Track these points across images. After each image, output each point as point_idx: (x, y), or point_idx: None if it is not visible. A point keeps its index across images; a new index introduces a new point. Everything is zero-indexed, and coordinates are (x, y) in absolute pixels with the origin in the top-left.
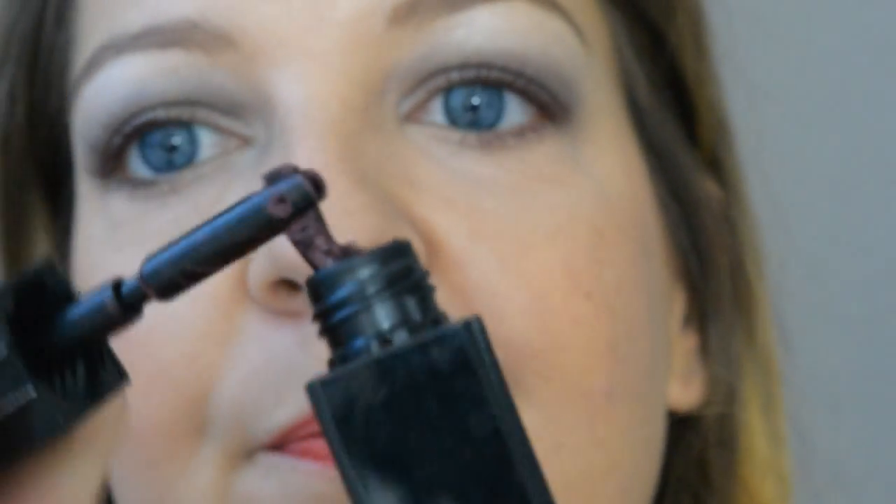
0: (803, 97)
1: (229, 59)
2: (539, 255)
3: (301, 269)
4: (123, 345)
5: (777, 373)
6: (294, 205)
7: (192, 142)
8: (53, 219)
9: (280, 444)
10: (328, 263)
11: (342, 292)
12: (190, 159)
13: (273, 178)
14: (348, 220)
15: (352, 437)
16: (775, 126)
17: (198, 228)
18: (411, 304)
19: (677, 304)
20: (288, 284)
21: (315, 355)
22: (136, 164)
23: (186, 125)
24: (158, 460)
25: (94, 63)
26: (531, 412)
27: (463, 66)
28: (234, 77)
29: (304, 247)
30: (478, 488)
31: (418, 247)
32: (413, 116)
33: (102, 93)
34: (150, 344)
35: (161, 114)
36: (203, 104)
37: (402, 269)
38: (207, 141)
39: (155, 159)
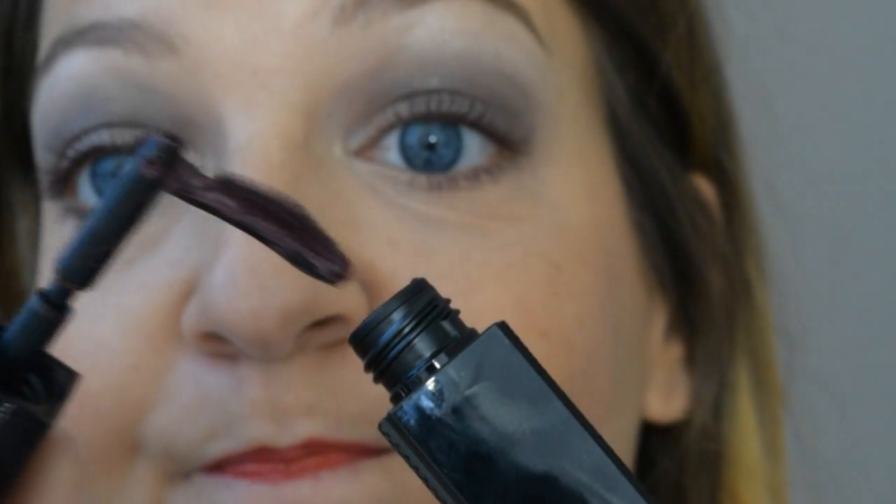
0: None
1: (171, 68)
2: (489, 294)
3: (228, 327)
4: None
5: (776, 384)
6: (162, 161)
7: None
8: (34, 204)
9: (218, 467)
10: (210, 196)
11: (385, 337)
12: None
13: (138, 147)
14: (276, 277)
15: (437, 456)
16: (781, 129)
17: (92, 213)
18: (445, 327)
19: (658, 316)
20: (217, 336)
21: (249, 396)
22: (88, 193)
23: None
24: (94, 478)
25: (50, 57)
26: None
27: (412, 95)
28: (176, 89)
29: (184, 193)
30: (562, 465)
31: (358, 304)
32: (364, 154)
33: (52, 89)
34: (83, 372)
35: (107, 138)
36: (149, 125)
37: (427, 303)
38: None
39: (105, 188)
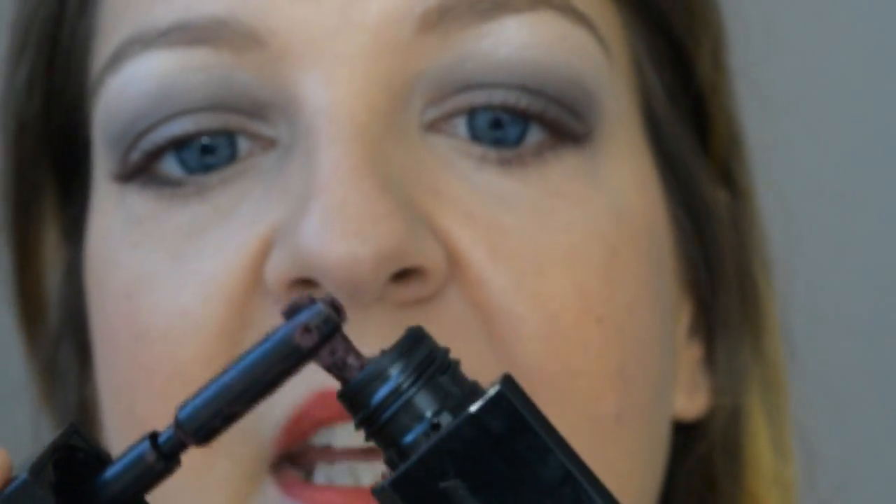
0: (814, 108)
1: (256, 59)
2: (554, 277)
3: (322, 269)
4: (139, 346)
5: (783, 384)
6: (320, 332)
7: (231, 145)
8: (64, 206)
9: (286, 446)
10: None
11: (379, 395)
12: (228, 162)
13: (293, 310)
14: (373, 224)
15: None
16: (787, 137)
17: (229, 367)
18: (445, 383)
19: (684, 314)
20: (306, 282)
21: None
22: (171, 165)
23: (223, 132)
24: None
25: (120, 56)
26: None
27: (491, 86)
28: (259, 77)
29: (337, 370)
30: None
31: (440, 259)
32: (436, 126)
33: (126, 87)
34: (167, 343)
35: (191, 126)
36: (227, 108)
37: (425, 356)
38: (244, 145)
39: (192, 161)
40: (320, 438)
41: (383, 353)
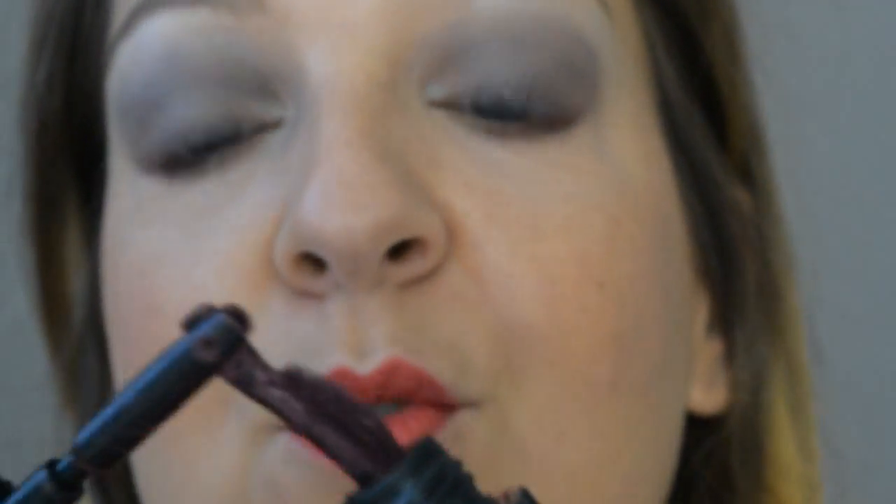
0: (835, 105)
1: (257, 23)
2: (552, 244)
3: (321, 241)
4: (154, 323)
5: (808, 383)
6: (221, 345)
7: (235, 127)
8: (84, 203)
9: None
10: (274, 394)
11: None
12: (230, 142)
13: (193, 321)
14: (371, 195)
15: None
16: (808, 134)
17: (127, 388)
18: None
19: (702, 309)
20: (313, 260)
21: (332, 329)
22: (177, 144)
23: (224, 116)
24: (184, 433)
25: (129, 24)
26: (537, 398)
27: (490, 55)
28: (261, 45)
29: (244, 385)
30: None
31: (439, 230)
32: (440, 102)
33: (135, 52)
34: (180, 316)
35: (194, 110)
36: (232, 85)
37: (437, 472)
38: (246, 127)
39: (196, 141)
40: None
41: (395, 468)
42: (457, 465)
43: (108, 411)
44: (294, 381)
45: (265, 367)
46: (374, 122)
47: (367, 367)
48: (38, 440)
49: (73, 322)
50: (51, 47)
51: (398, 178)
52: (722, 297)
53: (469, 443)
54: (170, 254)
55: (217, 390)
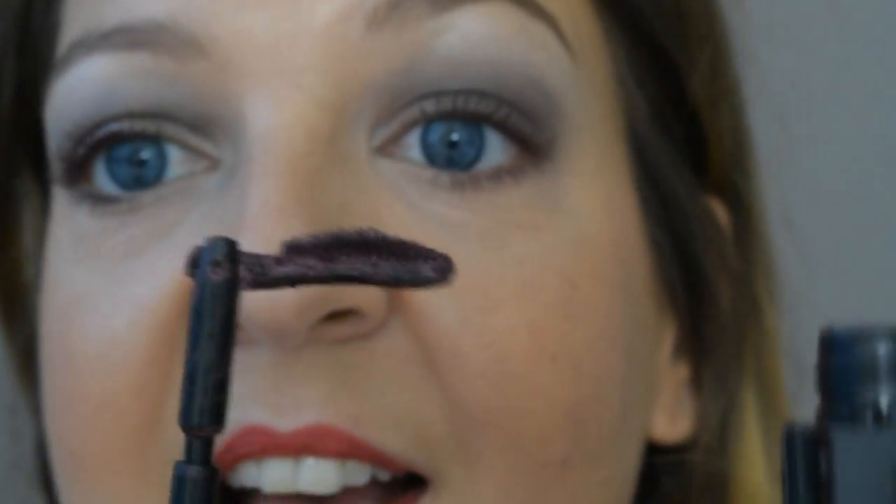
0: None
1: (199, 68)
2: (505, 313)
3: (247, 313)
4: (70, 372)
5: (784, 404)
6: (226, 258)
7: (161, 157)
8: (43, 202)
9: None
10: (289, 267)
11: (852, 359)
12: (158, 177)
13: (195, 259)
14: None
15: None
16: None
17: (188, 350)
18: None
19: (667, 335)
20: None
21: (253, 384)
22: (103, 179)
23: (154, 140)
24: (107, 485)
25: (67, 59)
26: (485, 483)
27: (439, 94)
28: (202, 87)
29: (261, 277)
30: None
31: (376, 299)
32: (387, 150)
33: (71, 92)
34: (96, 372)
35: (127, 126)
36: (170, 117)
37: None
38: (176, 158)
39: (122, 174)
40: (250, 476)
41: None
42: None
43: (186, 375)
44: (295, 248)
45: (267, 255)
46: (310, 184)
47: (288, 424)
48: None
49: (28, 307)
50: (0, 43)
51: None
52: (690, 324)
53: None
54: (90, 298)
55: (143, 440)
